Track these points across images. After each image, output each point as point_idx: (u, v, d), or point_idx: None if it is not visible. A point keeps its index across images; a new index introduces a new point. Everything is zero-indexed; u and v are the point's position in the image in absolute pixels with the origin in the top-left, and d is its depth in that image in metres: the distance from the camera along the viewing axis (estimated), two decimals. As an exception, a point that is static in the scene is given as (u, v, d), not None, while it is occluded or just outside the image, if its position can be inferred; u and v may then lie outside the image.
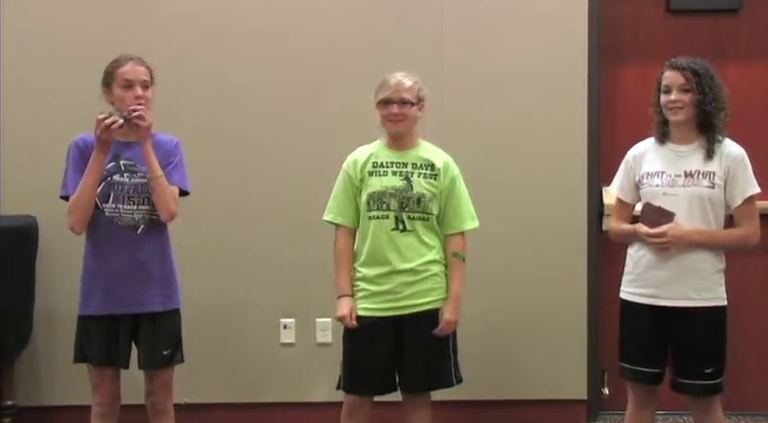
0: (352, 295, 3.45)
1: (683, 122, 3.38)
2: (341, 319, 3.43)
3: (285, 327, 4.48)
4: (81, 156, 3.38)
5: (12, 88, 4.39)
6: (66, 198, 3.40)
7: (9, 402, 4.32)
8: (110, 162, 3.37)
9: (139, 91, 3.37)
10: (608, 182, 3.79)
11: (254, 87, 4.45)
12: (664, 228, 3.31)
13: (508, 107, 4.46)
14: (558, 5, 4.45)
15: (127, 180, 3.39)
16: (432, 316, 3.43)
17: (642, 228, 3.37)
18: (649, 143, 3.51)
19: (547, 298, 4.47)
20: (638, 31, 4.61)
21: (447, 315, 3.42)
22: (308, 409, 4.45)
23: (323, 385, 4.34)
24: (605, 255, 4.42)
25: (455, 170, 3.47)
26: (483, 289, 4.38)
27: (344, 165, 3.48)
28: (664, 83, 3.38)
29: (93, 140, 3.36)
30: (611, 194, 3.62)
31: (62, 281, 4.26)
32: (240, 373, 4.49)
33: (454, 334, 3.51)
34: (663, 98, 3.38)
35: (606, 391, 4.52)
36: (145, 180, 3.38)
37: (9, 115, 4.40)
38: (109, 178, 3.37)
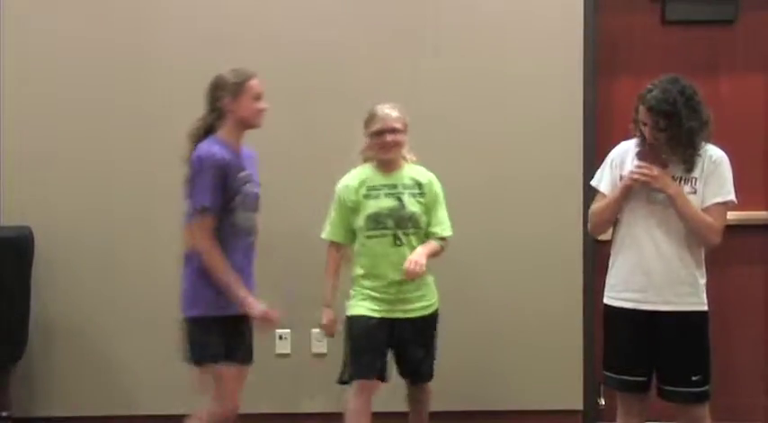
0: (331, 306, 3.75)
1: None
2: (323, 328, 3.81)
3: (281, 337, 4.48)
4: (219, 170, 3.43)
5: (8, 99, 4.39)
6: (202, 210, 3.41)
7: (4, 413, 4.32)
8: (241, 171, 3.51)
9: (265, 104, 3.55)
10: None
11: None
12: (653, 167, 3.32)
13: (504, 118, 4.47)
14: (553, 17, 4.47)
15: (251, 190, 3.56)
16: (424, 319, 3.70)
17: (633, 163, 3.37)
18: (633, 144, 3.49)
19: (542, 307, 4.48)
20: (633, 42, 4.61)
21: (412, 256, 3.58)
22: (303, 420, 4.44)
23: (319, 396, 4.35)
24: (601, 264, 4.40)
25: (437, 186, 3.77)
26: (478, 298, 4.39)
27: (337, 190, 3.74)
28: (640, 116, 3.38)
29: (226, 155, 3.44)
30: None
31: (58, 291, 4.26)
32: (236, 384, 4.48)
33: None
34: (641, 127, 3.38)
35: (602, 401, 4.50)
36: (257, 190, 3.58)
37: (5, 126, 4.41)
38: (242, 187, 3.50)
